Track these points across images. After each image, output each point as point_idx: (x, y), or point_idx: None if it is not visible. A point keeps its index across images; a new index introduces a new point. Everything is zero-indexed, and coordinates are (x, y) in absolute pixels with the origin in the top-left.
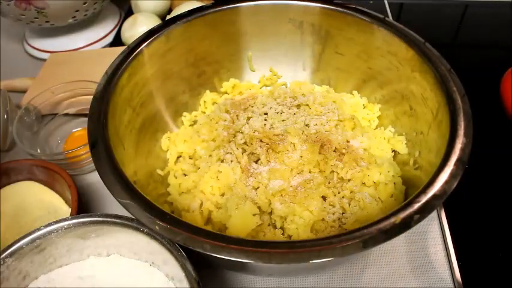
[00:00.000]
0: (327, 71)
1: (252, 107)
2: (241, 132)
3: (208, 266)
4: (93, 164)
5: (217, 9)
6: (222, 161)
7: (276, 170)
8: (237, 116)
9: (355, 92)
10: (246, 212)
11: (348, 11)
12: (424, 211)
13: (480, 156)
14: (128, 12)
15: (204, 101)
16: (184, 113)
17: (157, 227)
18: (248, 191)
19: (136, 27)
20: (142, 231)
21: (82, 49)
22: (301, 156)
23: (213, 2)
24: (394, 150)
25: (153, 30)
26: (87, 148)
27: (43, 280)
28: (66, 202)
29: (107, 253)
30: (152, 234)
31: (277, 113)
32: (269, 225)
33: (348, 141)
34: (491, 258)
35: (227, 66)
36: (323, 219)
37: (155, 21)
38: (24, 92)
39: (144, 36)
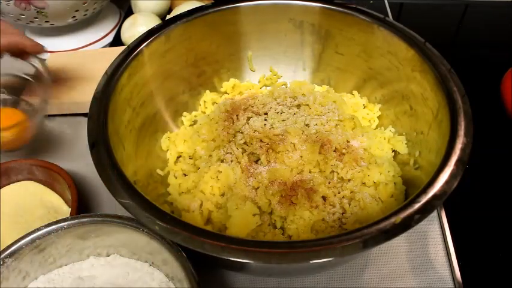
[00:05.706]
0: (327, 71)
1: (252, 107)
2: (241, 132)
3: (208, 266)
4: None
5: (217, 9)
6: (222, 161)
7: (276, 170)
8: (237, 116)
9: (355, 92)
10: (246, 212)
11: (348, 11)
12: (424, 211)
13: (480, 156)
14: (128, 12)
15: (204, 101)
16: (184, 113)
17: (157, 227)
18: (248, 191)
19: (136, 27)
20: (142, 231)
21: (82, 49)
22: (301, 156)
23: (213, 2)
24: (394, 150)
25: (153, 30)
26: None
27: (43, 280)
28: (66, 202)
29: (106, 253)
30: (152, 234)
31: (277, 113)
32: (269, 225)
33: (348, 141)
34: (491, 258)
35: (227, 66)
36: (323, 219)
37: (155, 21)
38: None
39: (144, 36)
